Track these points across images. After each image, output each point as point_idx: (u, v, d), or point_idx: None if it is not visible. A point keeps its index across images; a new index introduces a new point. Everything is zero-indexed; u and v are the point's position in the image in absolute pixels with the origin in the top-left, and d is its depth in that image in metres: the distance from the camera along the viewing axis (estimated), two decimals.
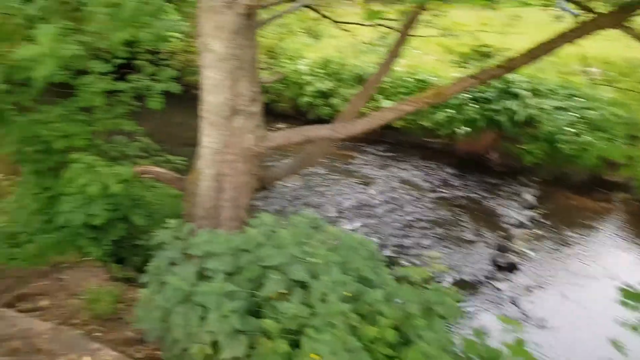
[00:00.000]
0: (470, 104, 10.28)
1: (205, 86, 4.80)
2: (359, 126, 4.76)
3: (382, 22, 8.21)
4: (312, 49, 13.18)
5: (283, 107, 12.90)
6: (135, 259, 5.45)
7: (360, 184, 9.93)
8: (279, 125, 11.76)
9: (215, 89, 4.73)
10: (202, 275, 3.16)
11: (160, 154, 7.32)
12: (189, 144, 11.92)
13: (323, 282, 2.74)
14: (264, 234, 3.20)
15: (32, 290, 4.16)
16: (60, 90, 6.07)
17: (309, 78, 12.14)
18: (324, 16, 7.49)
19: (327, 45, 13.13)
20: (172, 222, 3.55)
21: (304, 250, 3.02)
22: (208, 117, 4.96)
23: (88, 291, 4.20)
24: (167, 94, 5.91)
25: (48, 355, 2.60)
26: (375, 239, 7.84)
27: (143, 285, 3.44)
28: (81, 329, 3.62)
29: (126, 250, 5.49)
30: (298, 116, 12.76)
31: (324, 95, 12.09)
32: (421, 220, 8.47)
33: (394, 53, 5.17)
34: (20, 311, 3.78)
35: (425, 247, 7.55)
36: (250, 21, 4.46)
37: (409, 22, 5.07)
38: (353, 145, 11.01)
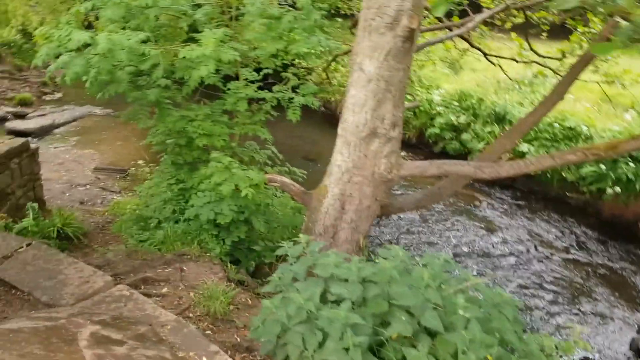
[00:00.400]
0: (628, 162, 9.10)
1: (348, 105, 4.74)
2: (508, 169, 4.36)
3: (538, 59, 7.74)
4: (449, 80, 12.81)
5: (407, 135, 12.64)
6: (248, 262, 5.51)
7: (483, 229, 9.28)
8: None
9: (358, 108, 4.64)
10: (325, 298, 3.01)
11: (284, 164, 7.45)
12: (307, 158, 12.21)
13: (459, 337, 2.44)
14: (396, 269, 2.97)
15: (156, 275, 4.32)
16: (208, 92, 6.44)
17: (441, 109, 11.77)
18: (475, 47, 7.16)
19: (465, 78, 12.68)
20: (302, 237, 3.46)
21: (441, 295, 2.74)
22: (345, 136, 4.88)
23: (205, 287, 4.27)
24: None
25: (170, 349, 2.59)
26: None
27: (264, 295, 3.38)
28: (195, 324, 3.65)
29: (241, 253, 5.57)
30: (421, 146, 12.41)
31: (455, 129, 11.63)
32: (550, 281, 7.64)
33: (558, 95, 4.71)
34: (144, 295, 3.91)
35: (554, 315, 6.75)
36: (406, 44, 4.31)
37: (583, 65, 4.59)
38: (479, 186, 10.40)
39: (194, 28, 6.15)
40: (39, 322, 2.39)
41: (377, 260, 3.12)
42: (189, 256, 4.79)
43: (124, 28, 5.58)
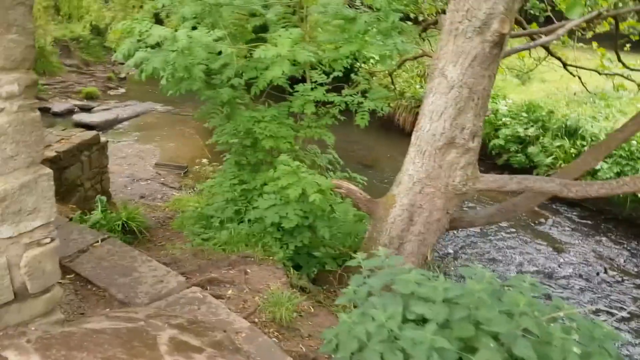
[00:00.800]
0: None
1: (425, 112, 4.53)
2: (598, 189, 4.04)
3: (620, 71, 7.26)
4: (516, 90, 12.30)
5: None
6: (310, 269, 5.39)
7: (549, 247, 8.80)
8: None
9: (436, 116, 4.43)
10: (404, 317, 2.82)
11: (344, 170, 7.30)
12: (362, 164, 12.02)
13: None
14: (485, 291, 2.74)
15: (222, 276, 4.26)
16: (273, 94, 6.37)
17: (507, 120, 11.30)
18: (555, 56, 6.78)
19: (534, 89, 12.14)
20: (381, 250, 3.28)
21: (536, 322, 2.49)
22: (419, 145, 4.68)
23: (269, 292, 4.17)
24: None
25: (246, 359, 2.49)
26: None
27: (331, 305, 3.22)
28: (262, 329, 3.54)
29: (303, 258, 5.45)
30: (483, 158, 11.91)
31: (521, 141, 11.13)
32: (622, 307, 7.14)
33: None
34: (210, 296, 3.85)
35: (635, 346, 6.28)
36: (495, 50, 4.07)
37: None
38: (545, 202, 9.89)
39: (259, 28, 6.12)
40: (120, 323, 2.33)
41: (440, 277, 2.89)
42: (252, 259, 4.71)
43: (195, 27, 5.62)
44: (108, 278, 3.01)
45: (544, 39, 5.23)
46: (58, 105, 13.48)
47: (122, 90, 16.64)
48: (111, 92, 16.34)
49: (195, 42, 4.10)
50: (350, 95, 5.80)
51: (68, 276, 3.01)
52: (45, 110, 13.10)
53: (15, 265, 1.87)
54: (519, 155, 11.17)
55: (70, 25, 16.56)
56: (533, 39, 6.03)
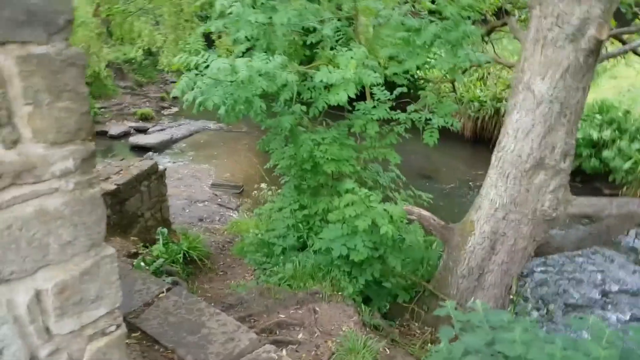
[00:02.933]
0: None
1: (509, 130, 4.07)
2: None
3: None
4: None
5: None
6: (381, 302, 5.00)
7: (633, 263, 8.01)
8: None
9: (522, 135, 3.96)
10: None
11: (408, 187, 6.87)
12: (422, 175, 11.48)
13: None
14: (611, 358, 2.29)
15: (290, 318, 3.96)
16: (331, 112, 6.05)
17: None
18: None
19: (604, 86, 11.26)
20: (478, 303, 2.87)
21: None
22: (502, 166, 4.22)
23: (342, 335, 3.83)
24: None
25: None
26: None
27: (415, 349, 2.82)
28: None
29: (373, 290, 5.08)
30: None
31: (594, 144, 10.31)
32: None
33: None
34: (279, 342, 3.56)
35: None
36: (590, 59, 3.57)
37: None
38: None
39: (311, 44, 5.82)
40: None
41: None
42: (320, 295, 4.39)
43: (249, 48, 5.38)
44: (176, 336, 2.76)
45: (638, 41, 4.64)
46: (114, 128, 13.76)
47: (176, 109, 16.86)
48: (165, 112, 16.60)
49: (255, 72, 3.83)
50: (417, 112, 5.39)
51: (134, 334, 2.79)
52: (102, 134, 13.41)
53: None
54: (592, 160, 10.34)
55: (123, 48, 17.00)
56: (620, 40, 5.42)
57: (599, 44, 3.46)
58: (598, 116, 10.38)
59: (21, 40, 1.22)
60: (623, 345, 2.66)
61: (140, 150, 12.46)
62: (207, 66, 3.78)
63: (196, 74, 3.80)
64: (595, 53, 3.54)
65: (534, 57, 3.72)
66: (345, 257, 4.70)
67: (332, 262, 4.82)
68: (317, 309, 4.28)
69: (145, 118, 15.23)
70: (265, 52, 4.74)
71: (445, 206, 9.55)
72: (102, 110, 14.75)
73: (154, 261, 4.08)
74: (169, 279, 3.70)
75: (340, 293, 4.59)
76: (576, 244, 4.85)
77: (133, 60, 18.12)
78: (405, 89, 5.45)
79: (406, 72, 5.21)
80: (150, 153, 12.20)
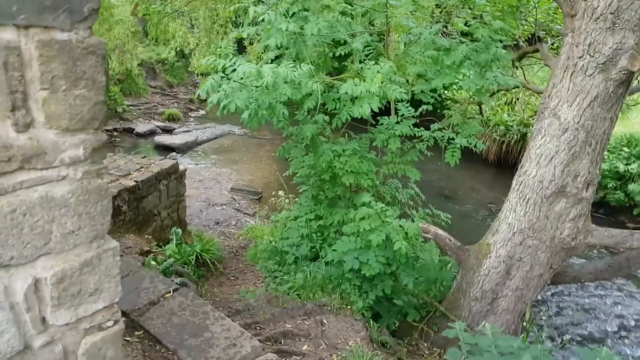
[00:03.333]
0: None
1: (532, 155, 4.00)
2: None
3: None
4: (617, 122, 11.19)
5: None
6: (390, 319, 4.93)
7: None
8: None
9: (545, 161, 3.88)
10: None
11: (426, 205, 6.79)
12: (442, 195, 11.33)
13: None
14: None
15: (296, 328, 3.92)
16: (356, 125, 6.03)
17: (604, 154, 10.26)
18: None
19: (636, 120, 11.02)
20: (488, 327, 2.80)
21: None
22: (522, 191, 4.14)
23: (348, 349, 3.77)
24: None
25: None
26: None
27: None
28: None
29: (382, 307, 5.01)
30: None
31: (620, 177, 10.07)
32: None
33: None
34: (283, 352, 3.52)
35: None
36: (619, 90, 3.49)
37: None
38: None
39: (341, 56, 5.82)
40: None
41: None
42: (329, 307, 4.35)
43: (277, 56, 5.42)
44: (178, 337, 2.74)
45: None
46: (141, 127, 13.98)
47: (203, 112, 17.05)
48: (192, 114, 16.81)
49: (280, 78, 3.85)
50: (440, 130, 5.34)
51: (137, 332, 2.79)
52: (129, 131, 13.63)
53: (72, 353, 1.60)
54: (617, 192, 10.09)
55: (157, 48, 17.32)
56: None
57: (630, 75, 3.38)
58: (626, 149, 10.15)
59: (44, 25, 1.22)
60: None
61: (165, 149, 12.62)
62: (234, 70, 3.81)
63: (222, 77, 3.83)
64: (625, 84, 3.46)
65: (562, 84, 3.66)
66: (357, 271, 4.65)
67: (343, 274, 4.78)
68: (325, 321, 4.24)
69: (172, 118, 15.44)
70: (294, 60, 4.77)
71: (463, 227, 9.41)
72: (131, 107, 15.01)
73: (165, 261, 4.09)
74: (178, 280, 3.71)
75: (349, 307, 4.54)
76: (594, 274, 4.71)
77: (165, 61, 18.42)
78: (430, 107, 5.41)
79: (433, 90, 5.17)
80: (174, 153, 12.34)
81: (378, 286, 4.67)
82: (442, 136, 5.26)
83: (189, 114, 16.76)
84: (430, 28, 5.08)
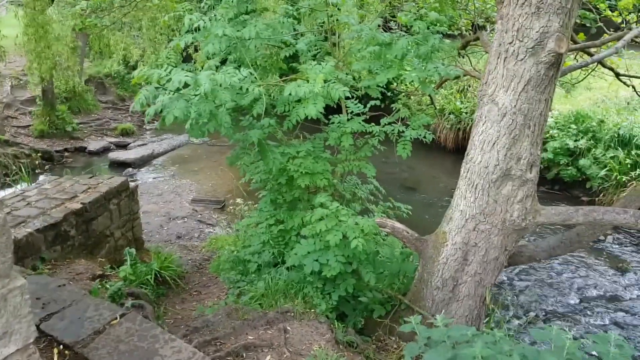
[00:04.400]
0: None
1: (476, 142, 4.06)
2: None
3: None
4: (561, 100, 11.57)
5: None
6: (356, 318, 4.92)
7: (612, 268, 8.04)
8: None
9: (488, 146, 3.95)
10: None
11: (386, 199, 6.83)
12: (405, 187, 11.46)
13: None
14: None
15: (258, 339, 3.86)
16: (308, 125, 6.01)
17: (554, 132, 10.59)
18: (606, 67, 6.16)
19: (579, 97, 11.41)
20: (439, 318, 2.81)
21: None
22: (470, 178, 4.20)
23: (313, 355, 3.74)
24: None
25: None
26: (631, 346, 6.09)
27: None
28: None
29: (347, 305, 5.01)
30: None
31: (571, 153, 10.41)
32: None
33: None
34: None
35: None
36: (550, 72, 3.57)
37: None
38: None
39: (291, 57, 5.79)
40: None
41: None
42: (292, 313, 4.30)
43: (224, 61, 5.33)
44: None
45: (603, 54, 4.67)
46: (94, 144, 13.57)
47: (157, 124, 16.70)
48: (147, 127, 16.44)
49: (219, 86, 3.77)
50: (390, 124, 5.37)
51: None
52: (81, 150, 13.22)
53: None
54: (569, 168, 10.45)
55: (104, 61, 16.85)
56: (587, 53, 5.47)
57: (559, 57, 3.46)
58: (574, 126, 10.51)
59: None
60: (583, 356, 2.63)
61: (120, 166, 12.30)
62: (170, 79, 3.72)
63: (156, 87, 3.73)
64: (555, 66, 3.54)
65: (497, 70, 3.72)
66: (318, 273, 4.63)
67: (304, 278, 4.75)
68: (288, 328, 4.18)
69: (126, 133, 15.06)
70: (238, 65, 4.70)
71: (426, 217, 9.54)
72: (82, 125, 14.53)
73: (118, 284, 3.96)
74: (130, 303, 3.59)
75: (313, 310, 4.51)
76: (548, 252, 4.83)
77: (114, 74, 17.94)
78: (378, 102, 5.43)
79: (383, 85, 5.20)
80: (130, 169, 12.04)
81: (341, 286, 4.67)
82: (392, 130, 5.29)
83: (144, 127, 16.38)
84: (371, 24, 5.10)
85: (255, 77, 4.49)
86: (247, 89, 4.26)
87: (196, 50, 9.34)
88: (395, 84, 6.30)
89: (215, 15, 4.89)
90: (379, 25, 5.47)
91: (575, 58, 6.98)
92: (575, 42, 5.68)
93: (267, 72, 5.83)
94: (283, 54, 5.70)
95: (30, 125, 13.39)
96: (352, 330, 4.67)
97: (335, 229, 4.38)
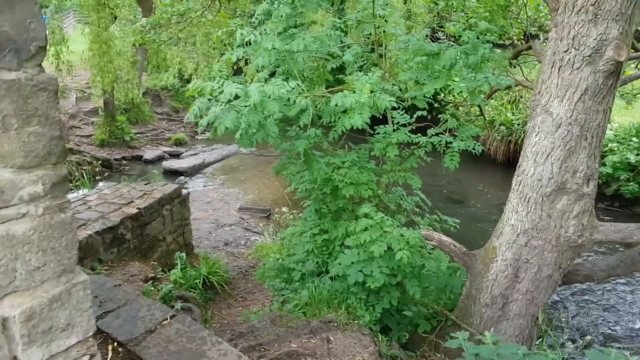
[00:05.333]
0: None
1: (528, 154, 3.93)
2: None
3: None
4: (622, 112, 11.04)
5: None
6: (400, 332, 4.84)
7: None
8: None
9: (542, 159, 3.82)
10: None
11: (433, 212, 6.71)
12: (452, 199, 11.22)
13: None
14: None
15: (302, 347, 3.87)
16: (353, 135, 6.02)
17: (614, 146, 10.11)
18: None
19: None
20: (487, 335, 2.73)
21: None
22: (522, 191, 4.06)
23: None
24: None
25: None
26: None
27: None
28: None
29: (391, 319, 4.93)
30: None
31: (632, 168, 9.89)
32: None
33: None
34: None
35: None
36: (609, 81, 3.43)
37: None
38: None
39: (337, 69, 5.84)
40: None
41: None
42: (335, 323, 4.29)
43: (272, 73, 5.44)
44: None
45: None
46: (149, 153, 14.15)
47: (209, 134, 17.21)
48: (199, 137, 16.96)
49: (268, 97, 3.85)
50: (437, 135, 5.29)
51: None
52: (137, 158, 13.81)
53: None
54: (630, 184, 9.92)
55: (160, 75, 17.59)
56: None
57: (618, 65, 3.32)
58: (635, 139, 9.99)
59: None
60: None
61: (173, 174, 12.74)
62: (222, 91, 3.83)
63: (209, 99, 3.85)
64: (615, 74, 3.39)
65: (551, 80, 3.60)
66: (362, 284, 4.60)
67: (348, 289, 4.72)
68: (331, 338, 4.17)
69: (179, 143, 15.61)
70: (287, 77, 4.79)
71: (474, 231, 9.30)
72: (139, 135, 15.21)
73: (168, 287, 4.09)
74: (179, 305, 3.69)
75: (356, 322, 4.47)
76: (607, 271, 4.59)
77: (170, 87, 18.67)
78: (425, 113, 5.37)
79: (427, 95, 5.14)
80: (182, 177, 12.44)
81: (384, 298, 4.61)
82: (440, 141, 5.21)
83: (196, 137, 16.91)
84: (419, 34, 5.07)
85: (302, 89, 4.55)
86: (295, 100, 4.33)
87: (247, 63, 9.58)
88: (443, 94, 6.20)
89: (265, 30, 5.02)
90: (426, 36, 5.42)
91: (637, 67, 6.66)
92: (636, 50, 5.42)
93: (314, 83, 5.91)
94: (330, 65, 5.76)
95: (92, 135, 14.15)
96: (396, 344, 4.60)
97: (379, 240, 4.34)
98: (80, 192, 9.34)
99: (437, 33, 6.26)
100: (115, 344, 2.82)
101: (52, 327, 1.53)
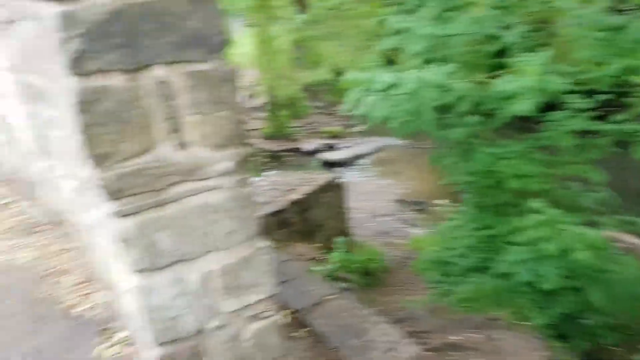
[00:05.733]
0: None
1: None
2: None
3: None
4: None
5: None
6: (579, 342, 4.35)
7: None
8: None
9: None
10: None
11: (617, 211, 5.88)
12: None
13: None
14: None
15: (463, 341, 3.74)
16: (520, 124, 5.58)
17: None
18: None
19: None
20: None
21: None
22: None
23: None
24: None
25: None
26: None
27: None
28: None
29: (568, 327, 4.44)
30: None
31: None
32: None
33: None
34: None
35: None
36: None
37: None
38: None
39: (499, 51, 5.45)
40: None
41: None
42: (500, 322, 4.05)
43: (427, 61, 5.29)
44: (340, 337, 2.97)
45: None
46: (306, 145, 14.96)
47: (364, 126, 17.48)
48: (353, 129, 17.32)
49: (424, 83, 3.78)
50: (624, 122, 4.64)
51: (302, 330, 3.07)
52: (296, 150, 14.70)
53: (237, 337, 1.87)
54: None
55: (316, 70, 18.36)
56: None
57: None
58: None
59: (186, 60, 1.44)
60: None
61: (329, 165, 13.24)
62: (376, 82, 3.87)
63: (364, 90, 3.92)
64: None
65: None
66: (532, 284, 4.24)
67: (515, 287, 4.41)
68: (496, 336, 3.96)
69: (334, 136, 16.15)
70: (444, 64, 4.63)
71: None
72: (297, 129, 16.11)
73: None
74: (340, 285, 3.86)
75: (526, 323, 4.16)
76: None
77: (325, 82, 19.33)
78: (608, 96, 4.75)
79: (611, 76, 4.54)
80: (338, 168, 12.88)
81: (559, 302, 4.19)
82: (630, 129, 4.54)
83: (351, 129, 17.30)
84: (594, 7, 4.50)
85: (460, 75, 4.38)
86: (452, 87, 4.18)
87: (399, 52, 9.50)
88: (633, 75, 5.34)
89: (419, 15, 4.89)
90: (607, 8, 4.79)
91: None
92: None
93: (472, 68, 5.60)
94: (490, 48, 5.40)
95: (258, 129, 15.42)
96: (575, 354, 4.16)
97: (553, 237, 3.96)
98: (252, 179, 10.24)
99: (622, 4, 5.50)
100: (288, 310, 3.10)
101: (242, 284, 1.77)
